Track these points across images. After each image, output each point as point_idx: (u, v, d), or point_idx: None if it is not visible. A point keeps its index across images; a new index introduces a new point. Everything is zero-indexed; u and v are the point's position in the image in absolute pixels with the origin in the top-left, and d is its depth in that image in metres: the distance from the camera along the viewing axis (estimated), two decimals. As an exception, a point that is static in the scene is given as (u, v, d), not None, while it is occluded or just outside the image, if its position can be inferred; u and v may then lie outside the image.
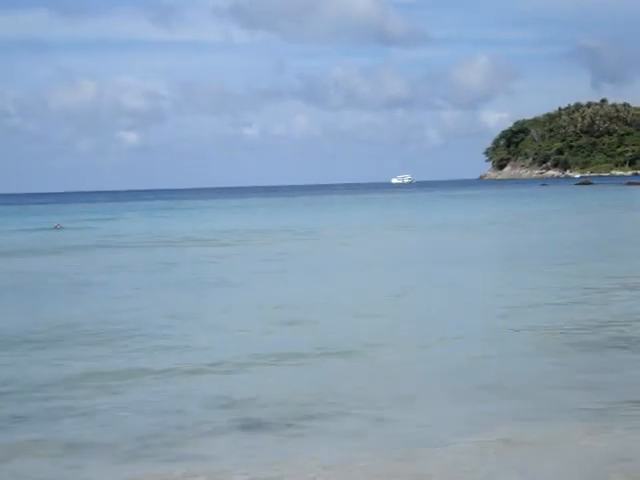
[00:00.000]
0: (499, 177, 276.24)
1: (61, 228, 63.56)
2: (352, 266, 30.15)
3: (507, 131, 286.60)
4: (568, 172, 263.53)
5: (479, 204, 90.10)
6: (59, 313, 20.49)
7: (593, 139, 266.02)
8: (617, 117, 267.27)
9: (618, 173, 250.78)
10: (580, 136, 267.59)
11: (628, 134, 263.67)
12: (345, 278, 26.71)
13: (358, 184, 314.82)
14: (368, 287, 24.23)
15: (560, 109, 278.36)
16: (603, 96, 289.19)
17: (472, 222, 54.97)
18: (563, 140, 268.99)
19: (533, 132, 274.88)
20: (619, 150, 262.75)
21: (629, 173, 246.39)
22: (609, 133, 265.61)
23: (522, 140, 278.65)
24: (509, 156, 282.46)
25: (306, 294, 22.85)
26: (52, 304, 22.55)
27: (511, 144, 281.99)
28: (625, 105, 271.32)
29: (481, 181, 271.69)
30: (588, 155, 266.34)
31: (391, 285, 24.12)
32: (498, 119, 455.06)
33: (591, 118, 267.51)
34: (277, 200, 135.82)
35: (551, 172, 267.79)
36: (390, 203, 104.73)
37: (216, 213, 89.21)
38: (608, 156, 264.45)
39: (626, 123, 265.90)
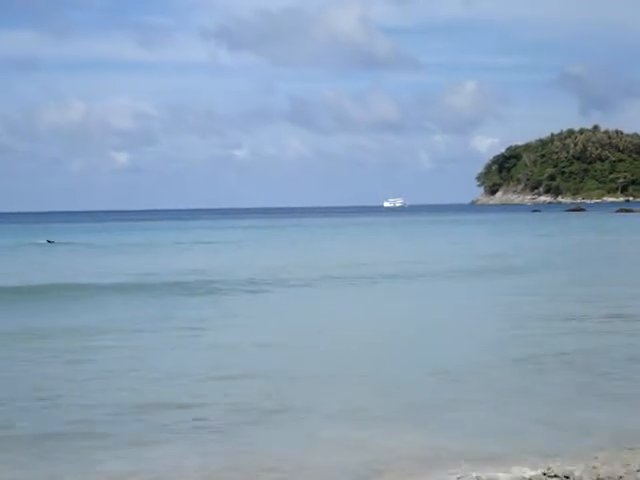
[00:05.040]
0: (491, 202, 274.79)
1: (52, 243, 69.72)
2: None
3: (499, 156, 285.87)
4: (560, 198, 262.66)
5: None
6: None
7: (585, 165, 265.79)
8: (609, 144, 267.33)
9: (610, 199, 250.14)
10: (572, 162, 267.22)
11: (620, 161, 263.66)
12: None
13: (350, 207, 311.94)
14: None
15: (552, 135, 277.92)
16: (592, 122, 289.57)
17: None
18: (555, 166, 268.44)
19: (525, 158, 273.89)
20: (611, 177, 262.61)
21: (621, 199, 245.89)
22: (601, 159, 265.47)
23: (514, 166, 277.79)
24: (501, 181, 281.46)
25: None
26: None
27: (503, 169, 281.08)
28: (617, 132, 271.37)
29: (474, 206, 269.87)
30: (580, 181, 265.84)
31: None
32: (489, 144, 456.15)
33: (583, 144, 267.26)
34: (282, 222, 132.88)
35: (543, 198, 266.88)
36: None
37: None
38: (600, 182, 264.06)
39: (618, 150, 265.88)
